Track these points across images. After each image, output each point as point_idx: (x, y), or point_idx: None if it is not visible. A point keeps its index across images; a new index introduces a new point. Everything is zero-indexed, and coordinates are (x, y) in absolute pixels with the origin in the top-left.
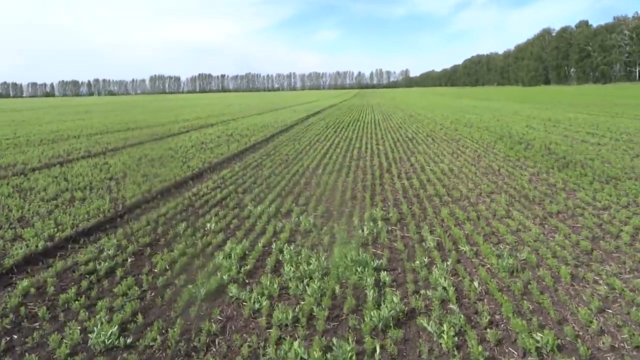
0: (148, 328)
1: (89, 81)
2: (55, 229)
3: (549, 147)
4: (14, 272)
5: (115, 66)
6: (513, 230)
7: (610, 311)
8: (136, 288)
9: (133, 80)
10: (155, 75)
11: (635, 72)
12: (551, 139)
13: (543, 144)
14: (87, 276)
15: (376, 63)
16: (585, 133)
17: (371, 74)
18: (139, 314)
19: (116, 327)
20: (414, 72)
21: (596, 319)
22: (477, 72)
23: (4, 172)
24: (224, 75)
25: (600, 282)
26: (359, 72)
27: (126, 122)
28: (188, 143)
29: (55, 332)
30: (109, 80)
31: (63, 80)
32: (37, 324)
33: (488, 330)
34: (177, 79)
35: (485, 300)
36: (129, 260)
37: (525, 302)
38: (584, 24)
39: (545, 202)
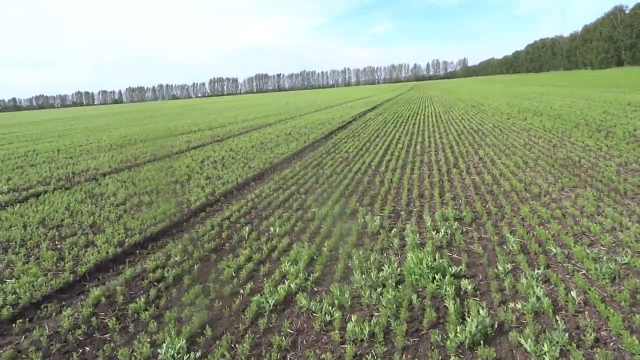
0: (217, 342)
1: (153, 87)
2: (124, 235)
3: (635, 134)
4: (87, 280)
5: (177, 71)
6: (607, 230)
7: None
8: (203, 297)
9: (194, 84)
10: (214, 78)
11: None
12: (635, 125)
13: (627, 131)
14: (156, 284)
15: (432, 54)
16: None
17: (427, 65)
18: (207, 326)
19: (184, 340)
20: (473, 61)
21: None
22: (541, 57)
23: (78, 177)
24: (280, 74)
25: None
26: (415, 64)
27: (189, 124)
28: (248, 143)
29: (125, 345)
30: (172, 85)
31: (130, 87)
32: (107, 335)
33: (596, 349)
34: (235, 80)
35: (586, 312)
36: (196, 266)
37: (636, 315)
38: None
39: None
